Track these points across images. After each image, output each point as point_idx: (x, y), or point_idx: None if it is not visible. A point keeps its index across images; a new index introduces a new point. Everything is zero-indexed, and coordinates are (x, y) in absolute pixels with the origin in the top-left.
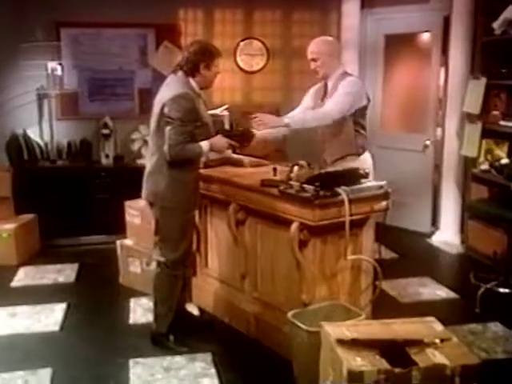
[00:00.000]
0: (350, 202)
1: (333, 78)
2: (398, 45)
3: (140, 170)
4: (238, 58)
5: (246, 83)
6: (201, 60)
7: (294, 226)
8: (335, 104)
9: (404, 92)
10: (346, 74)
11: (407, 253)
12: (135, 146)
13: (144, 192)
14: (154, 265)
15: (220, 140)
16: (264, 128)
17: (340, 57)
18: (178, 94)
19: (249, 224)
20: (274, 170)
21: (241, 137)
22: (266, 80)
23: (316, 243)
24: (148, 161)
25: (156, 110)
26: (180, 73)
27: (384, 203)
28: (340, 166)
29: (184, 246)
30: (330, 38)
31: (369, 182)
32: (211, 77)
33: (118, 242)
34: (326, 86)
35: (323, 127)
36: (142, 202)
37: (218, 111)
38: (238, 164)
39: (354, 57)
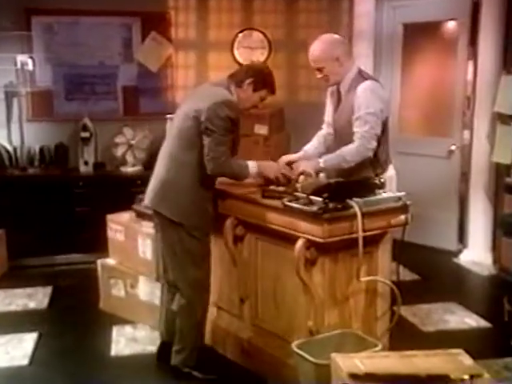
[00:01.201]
0: (364, 215)
1: (346, 82)
2: (418, 35)
3: (125, 178)
4: (236, 52)
5: None
6: (251, 76)
7: (300, 244)
8: (364, 133)
9: (426, 90)
10: (360, 75)
11: (430, 274)
12: (119, 152)
13: (151, 198)
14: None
15: (272, 166)
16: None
17: (349, 55)
18: (222, 100)
19: (248, 241)
20: (278, 179)
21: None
22: None
23: (325, 263)
24: (161, 166)
25: (183, 116)
26: (225, 79)
27: (403, 217)
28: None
29: (203, 274)
30: (332, 36)
31: (385, 193)
32: (250, 100)
33: (99, 262)
34: (338, 91)
35: (339, 143)
36: (126, 216)
37: None
38: None
39: (368, 50)
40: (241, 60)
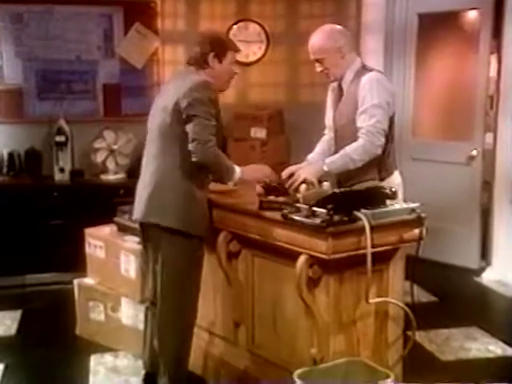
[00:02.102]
0: (373, 229)
1: (348, 75)
2: (435, 27)
3: (105, 187)
4: None
5: (241, 77)
6: (210, 49)
7: (302, 260)
8: (370, 128)
9: (443, 88)
10: (363, 68)
11: (449, 295)
12: (99, 158)
13: (140, 210)
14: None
15: (257, 170)
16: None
17: (352, 47)
18: (197, 83)
19: (244, 257)
20: (276, 188)
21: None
22: (266, 73)
23: (329, 282)
24: (146, 173)
25: (161, 112)
26: (190, 67)
27: (417, 231)
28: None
29: (193, 293)
30: (334, 27)
31: (397, 204)
32: (224, 73)
33: (76, 282)
34: (340, 86)
35: (340, 144)
36: (106, 230)
37: None
38: None
39: (379, 44)
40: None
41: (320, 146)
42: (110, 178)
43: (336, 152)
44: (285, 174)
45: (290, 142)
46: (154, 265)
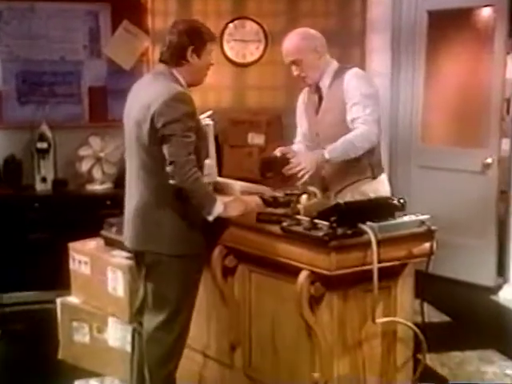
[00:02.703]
0: (380, 243)
1: (326, 77)
2: (446, 25)
3: (91, 198)
4: (226, 46)
5: (237, 80)
6: (188, 43)
7: (303, 277)
8: (366, 117)
9: (455, 91)
10: (342, 68)
11: (463, 315)
12: (84, 166)
13: (133, 238)
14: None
15: (240, 205)
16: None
17: (326, 50)
18: (171, 96)
19: (240, 273)
20: (275, 199)
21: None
22: (264, 75)
23: (333, 300)
24: (134, 194)
25: (136, 127)
26: (162, 66)
27: (427, 245)
28: (351, 194)
29: (186, 318)
30: (307, 29)
31: (406, 216)
32: (202, 68)
33: (59, 301)
34: (318, 90)
35: (322, 138)
36: (92, 244)
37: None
38: (225, 191)
39: (385, 43)
40: (231, 56)
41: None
42: (96, 188)
43: None
44: (279, 151)
45: None
46: (145, 283)
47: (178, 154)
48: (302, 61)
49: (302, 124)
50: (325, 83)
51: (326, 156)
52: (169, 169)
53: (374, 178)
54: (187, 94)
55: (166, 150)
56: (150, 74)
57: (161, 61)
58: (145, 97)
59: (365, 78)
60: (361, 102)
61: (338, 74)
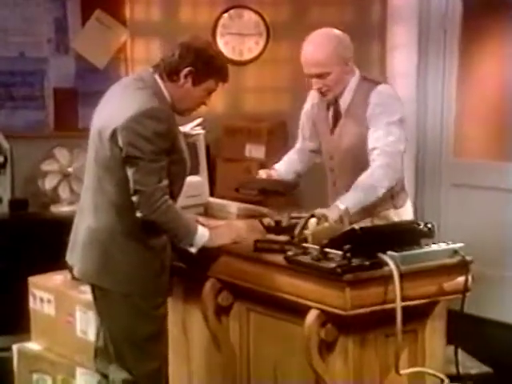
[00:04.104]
0: (403, 276)
1: (347, 92)
2: (485, 15)
3: (57, 222)
4: (220, 41)
5: (233, 80)
6: (190, 62)
7: (312, 317)
8: (387, 148)
9: (494, 95)
10: (366, 81)
11: (507, 365)
12: (48, 184)
13: (83, 268)
14: None
15: (231, 232)
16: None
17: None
18: (141, 111)
19: (237, 313)
20: (278, 224)
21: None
22: (265, 75)
23: (348, 346)
24: (87, 217)
25: (97, 136)
26: (147, 72)
27: (461, 279)
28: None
29: (151, 367)
30: (338, 32)
31: (435, 245)
32: (192, 98)
33: (15, 348)
34: (336, 104)
35: (343, 173)
36: (57, 279)
37: (186, 128)
38: (218, 214)
39: (411, 37)
40: (226, 52)
41: (290, 156)
42: (63, 209)
43: (335, 183)
44: (262, 174)
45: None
46: (99, 328)
47: (146, 183)
48: (331, 74)
49: (306, 134)
50: (345, 99)
51: (342, 207)
52: (134, 199)
53: (396, 208)
54: (165, 112)
55: (130, 174)
56: (129, 77)
57: (155, 66)
58: (114, 105)
59: (393, 101)
60: (382, 128)
61: (361, 91)
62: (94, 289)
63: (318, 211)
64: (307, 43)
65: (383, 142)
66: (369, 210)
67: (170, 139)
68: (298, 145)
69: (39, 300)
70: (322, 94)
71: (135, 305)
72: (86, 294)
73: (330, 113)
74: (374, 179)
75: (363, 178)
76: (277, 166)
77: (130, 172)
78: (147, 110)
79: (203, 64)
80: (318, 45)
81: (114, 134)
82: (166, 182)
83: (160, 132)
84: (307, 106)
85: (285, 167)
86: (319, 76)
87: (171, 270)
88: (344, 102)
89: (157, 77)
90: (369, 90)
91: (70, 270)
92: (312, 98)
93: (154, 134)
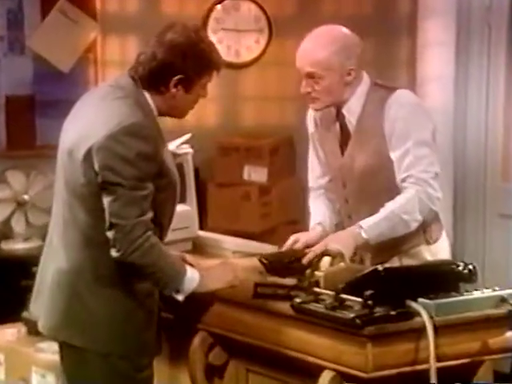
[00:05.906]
0: (438, 330)
1: (354, 101)
2: None
3: (9, 262)
4: (213, 37)
5: (228, 87)
6: (178, 69)
7: (326, 380)
8: (421, 175)
9: None
10: (379, 88)
11: None
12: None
13: (50, 320)
14: None
15: (226, 274)
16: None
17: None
18: (123, 128)
19: (233, 374)
20: (282, 263)
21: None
22: (267, 80)
23: None
24: (53, 256)
25: (67, 157)
26: (127, 80)
27: (510, 334)
28: (397, 258)
29: None
30: (347, 33)
31: (477, 291)
32: (187, 102)
33: None
34: (340, 116)
35: (351, 191)
36: (9, 334)
37: (171, 147)
38: (209, 251)
39: (448, 34)
40: (220, 52)
41: (320, 204)
42: (17, 247)
43: (350, 216)
44: (289, 243)
45: (305, 188)
46: None
47: (124, 215)
48: (324, 78)
49: (313, 159)
50: (352, 109)
51: (364, 236)
52: (109, 234)
53: (429, 243)
54: (151, 128)
55: (106, 204)
56: (105, 84)
57: (130, 75)
58: (88, 118)
59: (419, 112)
60: (412, 151)
61: (374, 100)
62: (63, 346)
63: (333, 247)
64: (308, 38)
65: (417, 168)
66: (395, 246)
67: (157, 162)
68: (318, 190)
69: None
70: (310, 100)
71: (114, 367)
72: (44, 352)
73: (336, 128)
74: (405, 211)
75: (393, 206)
76: (316, 219)
77: (106, 201)
78: (129, 126)
79: (194, 65)
80: (319, 43)
81: (88, 155)
82: (149, 215)
83: (145, 153)
84: (311, 128)
85: (324, 215)
86: (310, 76)
87: (158, 321)
88: (352, 115)
89: (138, 84)
90: (384, 98)
91: (26, 322)
92: (311, 111)
93: (137, 155)
